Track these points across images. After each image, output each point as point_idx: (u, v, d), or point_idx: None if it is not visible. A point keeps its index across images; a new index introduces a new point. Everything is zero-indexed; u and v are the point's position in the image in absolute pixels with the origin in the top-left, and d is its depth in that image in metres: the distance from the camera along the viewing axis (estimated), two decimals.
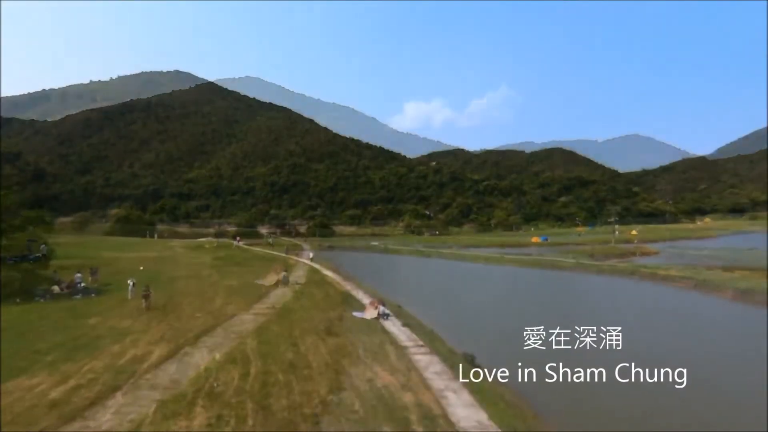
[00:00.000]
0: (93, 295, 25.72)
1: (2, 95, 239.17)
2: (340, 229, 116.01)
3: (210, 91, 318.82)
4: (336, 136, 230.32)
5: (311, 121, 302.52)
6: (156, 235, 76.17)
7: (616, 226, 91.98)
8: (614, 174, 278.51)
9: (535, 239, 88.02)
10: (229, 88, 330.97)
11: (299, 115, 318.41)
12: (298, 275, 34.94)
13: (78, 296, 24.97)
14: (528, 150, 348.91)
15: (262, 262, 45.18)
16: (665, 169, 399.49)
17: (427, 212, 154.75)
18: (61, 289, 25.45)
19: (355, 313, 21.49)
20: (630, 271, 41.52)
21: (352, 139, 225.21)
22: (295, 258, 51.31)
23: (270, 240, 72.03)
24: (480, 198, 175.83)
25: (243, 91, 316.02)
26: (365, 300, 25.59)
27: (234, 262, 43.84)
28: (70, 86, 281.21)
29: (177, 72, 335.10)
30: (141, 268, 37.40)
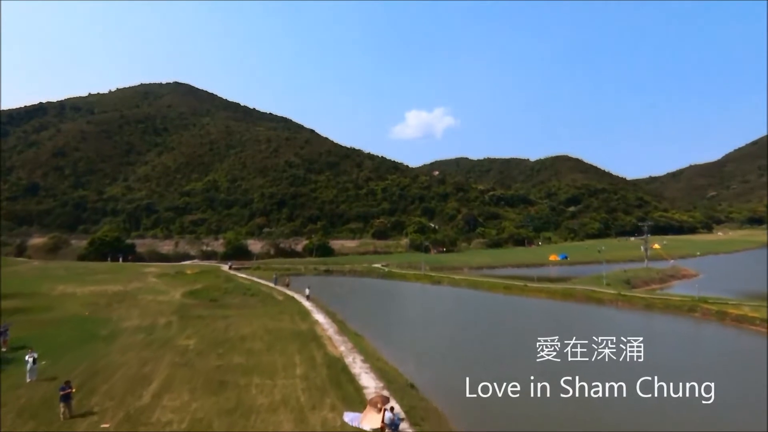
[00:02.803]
0: None
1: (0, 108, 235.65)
2: (340, 245, 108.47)
3: (210, 101, 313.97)
4: (336, 145, 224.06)
5: (312, 131, 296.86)
6: (120, 259, 68.04)
7: (631, 239, 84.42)
8: (622, 181, 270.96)
9: (553, 257, 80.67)
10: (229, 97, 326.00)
11: (299, 125, 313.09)
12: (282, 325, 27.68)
13: None
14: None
15: (242, 298, 37.92)
16: (673, 176, 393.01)
17: (432, 224, 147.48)
18: None
19: (347, 418, 14.16)
20: (688, 307, 34.03)
21: (353, 149, 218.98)
22: (284, 290, 43.83)
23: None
24: (486, 209, 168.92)
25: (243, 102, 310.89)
26: (363, 376, 18.27)
27: (208, 299, 36.56)
28: (68, 99, 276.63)
29: (176, 83, 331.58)
30: (87, 313, 30.19)
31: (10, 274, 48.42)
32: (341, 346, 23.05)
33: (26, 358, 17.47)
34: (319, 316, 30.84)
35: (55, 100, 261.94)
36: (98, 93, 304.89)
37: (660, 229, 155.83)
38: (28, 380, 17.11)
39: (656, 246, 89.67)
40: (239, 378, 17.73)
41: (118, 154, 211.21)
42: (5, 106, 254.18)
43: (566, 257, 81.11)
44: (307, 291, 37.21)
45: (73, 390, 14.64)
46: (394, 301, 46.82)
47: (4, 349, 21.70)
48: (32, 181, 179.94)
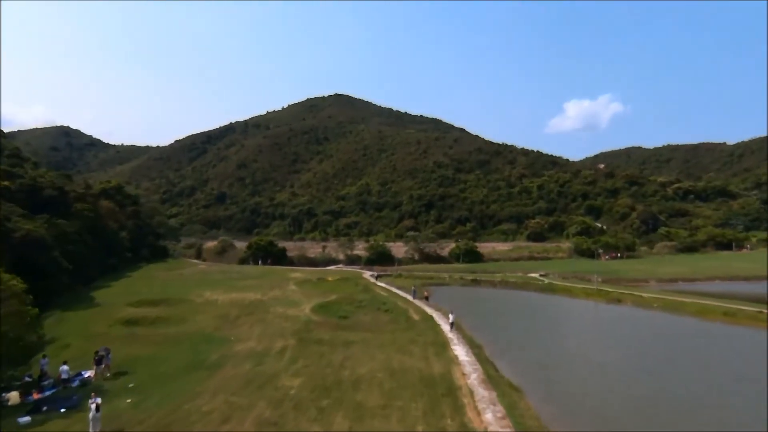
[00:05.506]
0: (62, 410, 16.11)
1: (199, 131, 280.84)
2: (490, 248, 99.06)
3: (365, 109, 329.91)
4: (487, 142, 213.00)
5: (461, 129, 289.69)
6: (260, 262, 72.51)
7: None
8: None
9: None
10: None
11: (449, 124, 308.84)
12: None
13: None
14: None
15: (374, 315, 32.82)
16: None
17: (599, 225, 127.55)
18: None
19: None
20: None
21: (505, 145, 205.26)
22: (422, 305, 37.85)
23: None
24: (669, 205, 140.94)
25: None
26: None
27: (338, 316, 32.40)
28: (251, 117, 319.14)
29: (336, 95, 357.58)
30: (211, 329, 28.34)
31: (176, 277, 52.30)
32: (487, 411, 15.87)
33: (89, 403, 14.50)
34: (460, 350, 23.99)
35: (241, 120, 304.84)
36: (273, 110, 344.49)
37: None
38: (90, 431, 14.01)
39: None
40: None
41: (286, 164, 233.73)
42: (205, 128, 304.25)
43: None
44: (450, 317, 30.24)
45: None
46: (559, 327, 36.92)
47: (108, 375, 19.90)
48: (221, 190, 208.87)
